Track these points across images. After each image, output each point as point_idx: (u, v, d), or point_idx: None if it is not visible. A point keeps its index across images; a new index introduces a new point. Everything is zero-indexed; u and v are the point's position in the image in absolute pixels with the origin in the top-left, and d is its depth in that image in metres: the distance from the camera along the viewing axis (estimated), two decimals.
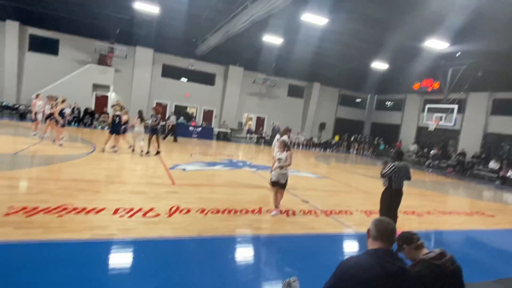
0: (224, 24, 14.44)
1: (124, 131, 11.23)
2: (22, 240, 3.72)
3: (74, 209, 4.87)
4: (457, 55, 15.65)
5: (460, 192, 12.95)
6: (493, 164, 17.28)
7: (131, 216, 4.92)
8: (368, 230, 2.05)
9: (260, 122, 25.49)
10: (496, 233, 7.08)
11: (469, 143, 19.88)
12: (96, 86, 19.86)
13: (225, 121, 22.65)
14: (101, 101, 20.15)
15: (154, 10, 14.31)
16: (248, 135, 23.29)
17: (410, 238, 2.50)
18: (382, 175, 5.52)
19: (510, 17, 10.62)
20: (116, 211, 5.01)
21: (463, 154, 19.16)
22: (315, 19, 12.22)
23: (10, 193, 5.40)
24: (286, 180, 5.98)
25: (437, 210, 8.22)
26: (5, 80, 17.97)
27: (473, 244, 6.38)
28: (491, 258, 5.54)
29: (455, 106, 17.00)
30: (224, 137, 21.65)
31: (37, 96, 12.06)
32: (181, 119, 21.21)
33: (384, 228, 1.99)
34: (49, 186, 5.92)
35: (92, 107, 19.58)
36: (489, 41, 12.97)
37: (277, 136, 9.20)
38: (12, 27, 17.75)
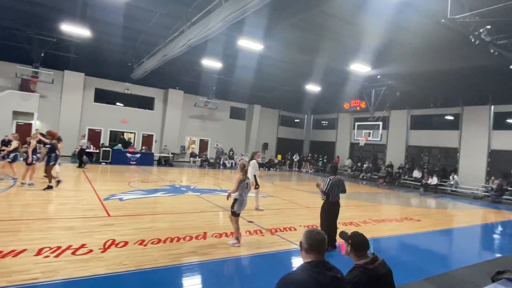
0: (161, 47, 14.28)
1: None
2: None
3: None
4: (378, 77, 17.53)
5: (390, 200, 14.12)
6: (416, 173, 19.29)
7: (57, 255, 4.40)
8: (300, 243, 2.09)
9: (203, 144, 25.22)
10: (422, 235, 7.81)
11: (395, 156, 22.01)
12: (17, 114, 17.90)
13: (166, 146, 21.93)
14: (25, 130, 18.15)
15: (84, 33, 13.62)
16: (192, 159, 22.80)
17: (359, 248, 2.51)
18: (324, 192, 5.80)
19: (417, 44, 12.29)
20: (39, 252, 4.45)
21: (390, 166, 21.09)
22: (251, 45, 12.74)
23: None
24: (232, 204, 5.58)
25: (372, 219, 8.83)
26: None
27: (404, 247, 6.94)
28: (420, 258, 6.08)
29: (380, 123, 18.85)
30: (165, 162, 20.89)
31: None
32: (118, 145, 20.04)
33: (314, 239, 2.05)
34: None
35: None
36: (401, 65, 14.78)
37: (251, 161, 9.08)
38: None
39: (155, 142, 22.97)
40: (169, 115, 22.83)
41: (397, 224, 8.65)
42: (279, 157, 27.53)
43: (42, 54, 16.75)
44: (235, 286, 4.00)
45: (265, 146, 27.59)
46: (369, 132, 19.39)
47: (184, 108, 23.37)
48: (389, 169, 20.74)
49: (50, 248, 4.59)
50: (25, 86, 18.01)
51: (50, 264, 4.10)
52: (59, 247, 4.66)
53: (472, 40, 9.03)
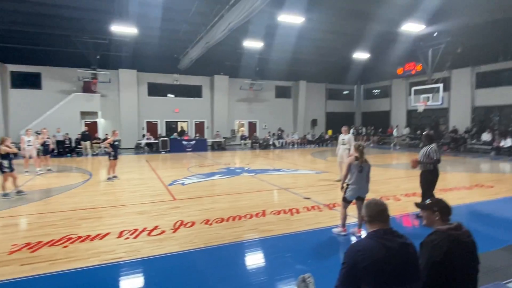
0: (203, 35, 14.52)
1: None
2: (30, 276, 3.68)
3: (79, 237, 4.84)
4: (434, 35, 15.96)
5: (457, 168, 13.09)
6: (485, 136, 17.54)
7: (136, 237, 4.90)
8: (363, 216, 2.14)
9: (252, 126, 25.57)
10: (497, 202, 7.18)
11: (459, 119, 20.16)
12: (84, 114, 19.77)
13: (218, 131, 22.66)
14: (91, 128, 20.04)
15: (132, 31, 14.36)
16: (242, 142, 23.32)
17: (447, 211, 2.37)
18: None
19: None
20: (120, 234, 4.99)
21: (455, 131, 19.42)
22: (291, 19, 12.37)
23: (11, 231, 5.33)
24: (345, 189, 5.08)
25: (438, 188, 8.27)
26: None
27: (477, 216, 6.45)
28: (496, 227, 5.62)
29: (440, 85, 17.24)
30: (218, 146, 21.66)
31: (27, 131, 11.92)
32: (174, 135, 21.25)
33: (374, 209, 2.09)
34: (50, 219, 5.86)
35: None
36: (463, 17, 13.24)
37: (340, 137, 9.24)
38: None
39: (207, 128, 23.87)
40: (217, 101, 23.43)
41: (466, 192, 8.04)
42: (330, 132, 26.86)
43: (98, 57, 18.11)
44: (297, 260, 4.10)
45: (314, 122, 27.07)
46: (428, 97, 17.84)
47: (230, 92, 23.77)
48: (454, 134, 19.12)
49: (129, 231, 5.12)
50: (87, 88, 19.72)
51: (131, 245, 4.59)
52: (136, 230, 5.18)
53: None
